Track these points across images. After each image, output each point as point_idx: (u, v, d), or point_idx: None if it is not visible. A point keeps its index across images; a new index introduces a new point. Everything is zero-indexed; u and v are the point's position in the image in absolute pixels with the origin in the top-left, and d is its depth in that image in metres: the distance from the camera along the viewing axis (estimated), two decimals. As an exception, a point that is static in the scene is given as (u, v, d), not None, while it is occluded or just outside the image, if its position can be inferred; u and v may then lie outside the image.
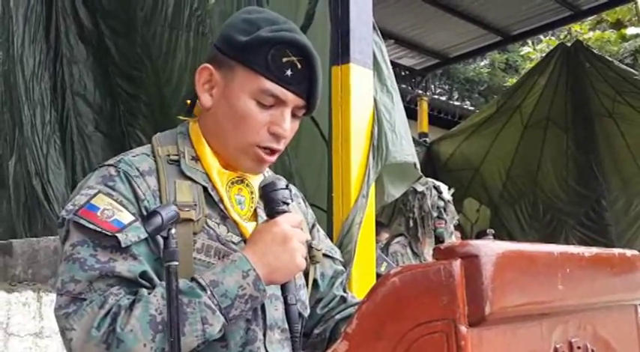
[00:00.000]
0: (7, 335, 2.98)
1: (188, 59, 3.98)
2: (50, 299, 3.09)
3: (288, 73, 1.34)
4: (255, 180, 1.44)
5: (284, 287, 1.34)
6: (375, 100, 3.01)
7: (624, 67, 8.01)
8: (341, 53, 2.94)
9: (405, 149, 3.11)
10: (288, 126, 1.38)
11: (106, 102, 4.51)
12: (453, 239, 4.56)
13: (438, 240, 4.37)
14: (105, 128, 4.51)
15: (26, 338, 3.04)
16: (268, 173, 1.54)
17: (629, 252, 1.19)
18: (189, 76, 4.00)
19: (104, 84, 4.51)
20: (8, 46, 4.45)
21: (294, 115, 1.40)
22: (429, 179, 4.59)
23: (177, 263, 1.16)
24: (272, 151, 1.40)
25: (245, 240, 1.36)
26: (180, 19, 3.96)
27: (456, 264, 0.83)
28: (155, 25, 4.09)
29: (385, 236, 5.81)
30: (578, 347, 1.03)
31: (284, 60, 1.33)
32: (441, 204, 4.42)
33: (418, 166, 3.34)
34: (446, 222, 4.42)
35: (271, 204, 1.34)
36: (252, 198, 1.44)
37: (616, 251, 1.15)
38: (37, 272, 3.58)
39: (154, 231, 1.15)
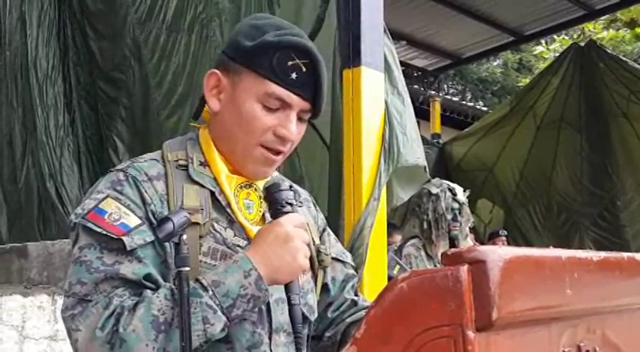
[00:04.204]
0: (23, 338, 3.00)
1: (187, 62, 3.98)
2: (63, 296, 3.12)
3: (293, 76, 1.36)
4: (263, 185, 1.45)
5: (287, 288, 1.34)
6: (386, 103, 3.02)
7: (638, 66, 7.95)
8: (352, 56, 2.95)
9: (415, 152, 3.11)
10: (294, 129, 1.40)
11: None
12: (468, 241, 4.52)
13: (453, 242, 4.33)
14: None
15: (41, 341, 3.06)
16: (275, 174, 1.55)
17: (638, 256, 1.18)
18: (186, 79, 4.00)
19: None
20: (21, 49, 4.48)
21: (300, 119, 1.42)
22: (444, 181, 4.55)
23: (188, 268, 1.18)
24: (277, 152, 1.42)
25: None
26: (182, 21, 3.96)
27: (463, 270, 0.83)
28: (150, 28, 4.09)
29: (398, 237, 5.79)
30: (587, 351, 1.03)
31: (289, 63, 1.35)
32: (456, 206, 4.38)
33: (427, 169, 3.33)
34: (460, 224, 4.37)
35: (275, 204, 1.36)
36: (261, 202, 1.45)
37: (625, 255, 1.15)
38: (52, 275, 3.60)
39: (165, 237, 1.18)
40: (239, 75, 1.39)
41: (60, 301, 3.15)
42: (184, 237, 1.20)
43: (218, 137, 1.44)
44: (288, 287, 1.35)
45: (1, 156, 4.58)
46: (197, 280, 1.25)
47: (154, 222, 1.29)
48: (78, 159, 4.48)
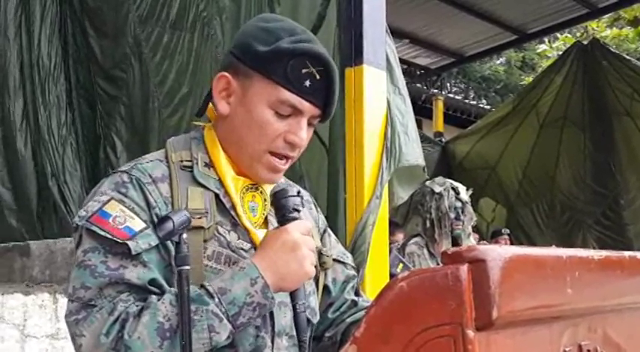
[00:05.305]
0: (24, 336, 3.01)
1: (190, 61, 3.95)
2: (66, 301, 3.12)
3: (307, 83, 1.34)
4: (269, 187, 1.45)
5: (293, 295, 1.34)
6: (388, 102, 3.01)
7: (641, 64, 7.94)
8: (354, 55, 2.94)
9: (415, 151, 3.10)
10: (304, 135, 1.39)
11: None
12: (471, 240, 4.52)
13: (455, 241, 4.33)
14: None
15: (42, 339, 3.06)
16: (281, 179, 1.54)
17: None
18: (189, 77, 3.98)
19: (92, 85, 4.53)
20: (23, 46, 4.47)
21: (309, 123, 1.41)
22: (447, 179, 4.56)
23: (188, 267, 1.18)
24: (286, 159, 1.41)
25: (255, 247, 1.36)
26: (185, 20, 3.94)
27: (463, 269, 0.83)
28: (152, 26, 4.08)
29: (400, 236, 5.79)
30: (588, 351, 1.02)
31: (303, 71, 1.34)
32: (459, 205, 4.37)
33: (426, 169, 3.33)
34: (463, 223, 4.37)
35: (282, 211, 1.35)
36: (265, 205, 1.44)
37: (626, 253, 1.15)
38: (54, 273, 3.61)
39: (165, 236, 1.18)
40: (250, 78, 1.37)
41: (61, 299, 3.16)
42: (184, 236, 1.19)
43: (226, 140, 1.43)
44: (293, 295, 1.34)
45: (3, 154, 4.57)
46: (203, 286, 1.24)
47: None
48: (79, 158, 4.48)
